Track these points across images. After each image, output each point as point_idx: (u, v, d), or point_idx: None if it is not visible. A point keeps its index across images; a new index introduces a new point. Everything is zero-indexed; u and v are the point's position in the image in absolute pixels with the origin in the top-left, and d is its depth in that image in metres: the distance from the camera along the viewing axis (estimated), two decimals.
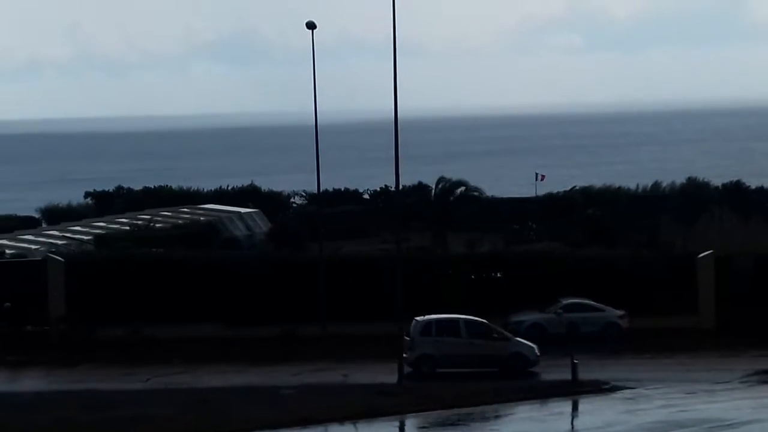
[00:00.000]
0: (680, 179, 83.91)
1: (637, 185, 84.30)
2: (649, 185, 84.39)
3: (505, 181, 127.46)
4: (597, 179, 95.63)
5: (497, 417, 38.12)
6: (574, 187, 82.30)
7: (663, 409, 37.84)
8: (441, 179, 72.06)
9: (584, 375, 41.65)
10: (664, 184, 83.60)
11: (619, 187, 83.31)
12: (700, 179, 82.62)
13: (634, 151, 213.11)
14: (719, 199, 75.53)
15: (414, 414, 38.39)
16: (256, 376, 44.35)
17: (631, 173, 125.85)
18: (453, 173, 76.94)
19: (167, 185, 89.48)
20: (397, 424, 38.18)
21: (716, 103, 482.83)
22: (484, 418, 37.83)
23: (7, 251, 59.42)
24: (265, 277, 52.27)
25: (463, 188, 71.84)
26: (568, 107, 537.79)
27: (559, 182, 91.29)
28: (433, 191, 71.90)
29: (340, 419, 37.56)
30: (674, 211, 72.11)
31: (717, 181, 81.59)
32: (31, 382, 44.60)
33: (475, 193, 73.08)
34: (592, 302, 50.97)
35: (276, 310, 51.40)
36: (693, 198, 76.17)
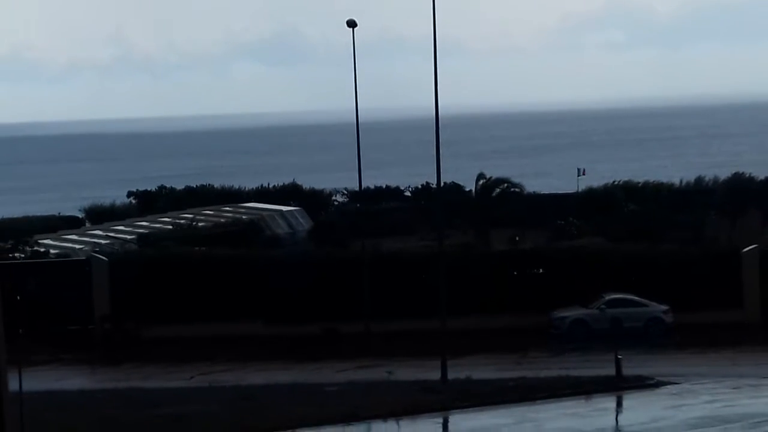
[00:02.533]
0: (725, 174, 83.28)
1: (681, 180, 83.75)
2: (693, 180, 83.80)
3: (546, 177, 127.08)
4: (639, 174, 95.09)
5: (541, 413, 37.99)
6: (616, 182, 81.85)
7: (708, 404, 37.61)
8: (481, 176, 71.91)
9: (628, 370, 41.45)
10: (708, 179, 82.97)
11: (662, 182, 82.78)
12: (746, 174, 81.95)
13: (677, 145, 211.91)
14: (765, 194, 74.89)
15: (458, 410, 38.34)
16: (300, 374, 44.43)
17: (675, 168, 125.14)
18: (494, 170, 76.84)
19: (209, 184, 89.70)
20: (440, 420, 38.16)
21: (761, 97, 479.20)
22: (529, 414, 37.72)
23: (52, 251, 59.82)
24: (308, 275, 52.36)
25: (504, 185, 71.65)
26: (610, 103, 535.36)
27: (601, 177, 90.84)
28: (475, 188, 71.76)
29: (384, 416, 37.57)
30: (719, 206, 71.63)
31: (763, 175, 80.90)
32: (75, 381, 44.89)
33: (517, 190, 72.87)
34: (636, 297, 50.74)
35: (318, 308, 51.47)
36: (738, 192, 75.58)
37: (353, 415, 37.31)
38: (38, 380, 40.52)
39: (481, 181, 71.65)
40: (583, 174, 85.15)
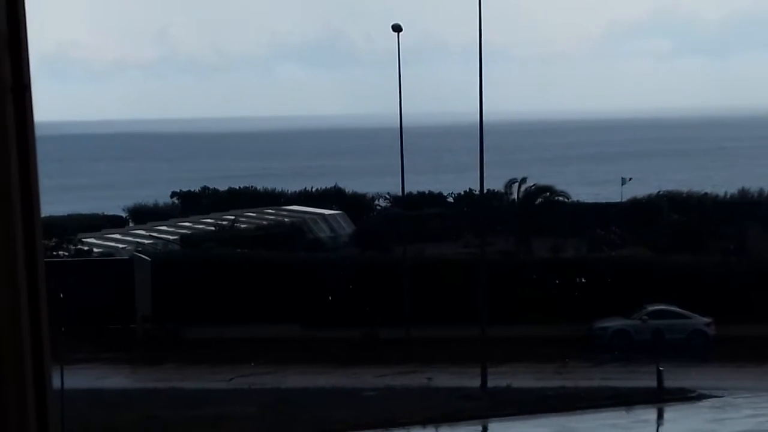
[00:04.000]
0: None
1: (725, 192, 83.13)
2: (737, 191, 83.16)
3: (591, 185, 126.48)
4: (685, 185, 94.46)
5: (581, 423, 37.75)
6: (660, 192, 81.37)
7: (751, 419, 37.27)
8: (524, 181, 71.63)
9: (670, 383, 41.15)
10: (753, 190, 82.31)
11: (706, 193, 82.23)
12: None
13: (723, 156, 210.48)
14: None
15: (497, 418, 38.18)
16: (339, 378, 44.40)
17: (721, 178, 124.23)
18: (538, 178, 76.59)
19: (252, 186, 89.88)
20: (479, 428, 38.02)
21: None
22: (568, 424, 37.49)
23: (95, 250, 60.11)
24: (349, 279, 52.34)
25: (547, 193, 71.37)
26: (656, 112, 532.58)
27: (645, 187, 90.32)
28: (517, 195, 71.50)
29: (423, 422, 37.47)
30: (763, 218, 71.02)
31: None
32: (116, 380, 45.08)
33: (560, 198, 72.57)
34: (678, 309, 50.38)
35: (359, 313, 51.42)
36: None
37: (391, 421, 37.22)
38: (79, 378, 40.68)
39: (523, 187, 71.39)
40: (629, 180, 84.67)
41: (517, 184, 71.54)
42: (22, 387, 3.52)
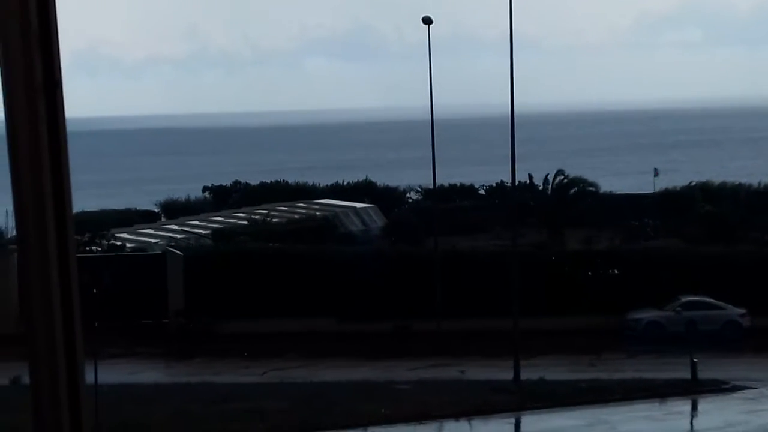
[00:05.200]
0: None
1: (759, 182, 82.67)
2: None
3: (623, 176, 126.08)
4: (719, 175, 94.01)
5: (615, 415, 37.67)
6: (693, 182, 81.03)
7: None
8: (560, 172, 71.43)
9: (704, 374, 41.01)
10: None
11: (740, 183, 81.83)
12: None
13: (757, 146, 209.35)
14: None
15: (530, 411, 38.14)
16: (371, 371, 44.45)
17: (755, 168, 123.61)
18: (570, 169, 76.29)
19: (284, 180, 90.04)
20: (512, 421, 37.99)
21: None
22: (602, 416, 37.41)
23: (128, 245, 60.38)
24: (381, 272, 52.37)
25: (580, 185, 71.17)
26: (687, 103, 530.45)
27: (678, 178, 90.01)
28: (550, 187, 71.32)
29: (456, 415, 37.48)
30: None
31: None
32: (149, 374, 45.28)
33: (592, 189, 72.36)
34: (712, 300, 50.17)
35: (391, 306, 51.46)
36: None
37: (424, 414, 37.24)
38: (113, 373, 40.93)
39: (557, 179, 71.21)
40: (658, 174, 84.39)
41: (550, 176, 71.35)
42: (55, 382, 3.54)
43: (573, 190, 69.64)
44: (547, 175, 71.36)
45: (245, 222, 68.07)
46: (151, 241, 61.88)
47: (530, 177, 71.50)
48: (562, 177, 70.70)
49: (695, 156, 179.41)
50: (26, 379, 3.64)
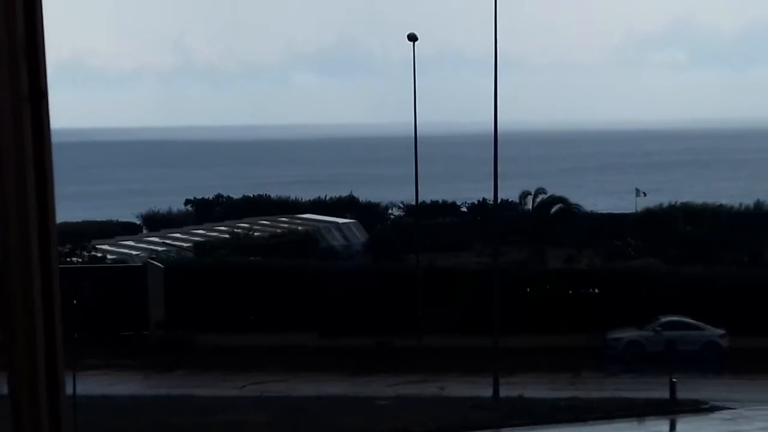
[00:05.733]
0: None
1: (740, 203, 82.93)
2: (752, 204, 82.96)
3: (607, 196, 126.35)
4: (703, 196, 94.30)
5: None
6: (674, 203, 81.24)
7: (764, 431, 37.16)
8: (539, 191, 71.54)
9: (683, 394, 41.10)
10: None
11: (721, 204, 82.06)
12: None
13: (741, 167, 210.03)
14: None
15: (509, 428, 38.16)
16: (352, 387, 44.42)
17: (736, 190, 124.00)
18: (554, 188, 76.39)
19: (266, 194, 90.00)
20: None
21: None
22: None
23: (108, 256, 60.26)
24: (362, 288, 52.35)
25: (561, 205, 71.27)
26: (674, 123, 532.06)
27: (661, 198, 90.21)
28: (532, 205, 71.39)
29: (435, 431, 37.45)
30: None
31: None
32: (129, 386, 45.15)
33: (575, 209, 72.48)
34: (692, 320, 50.29)
35: (372, 321, 51.43)
36: None
37: (404, 429, 37.22)
38: (92, 384, 40.81)
39: (539, 198, 71.28)
40: (644, 195, 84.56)
41: (531, 195, 71.46)
42: (35, 393, 3.54)
43: (555, 209, 69.69)
44: (527, 193, 71.46)
45: (227, 235, 67.99)
46: (132, 253, 61.77)
47: (523, 196, 71.49)
48: (544, 195, 70.75)
49: (679, 177, 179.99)
50: (5, 389, 3.65)
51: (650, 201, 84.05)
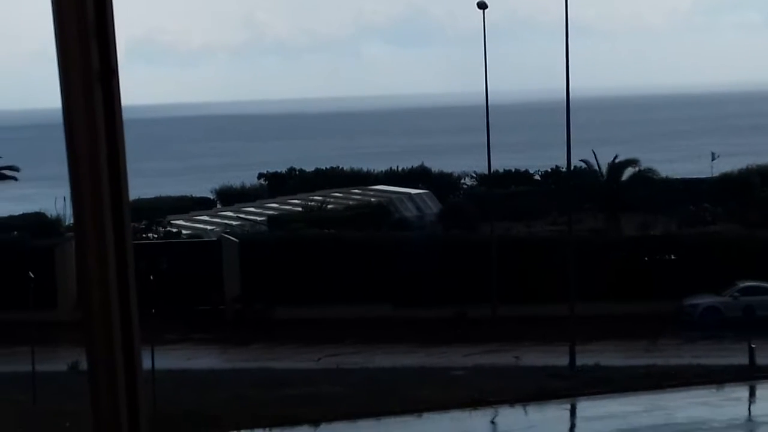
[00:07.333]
0: None
1: None
2: None
3: (681, 162, 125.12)
4: None
5: (672, 401, 37.46)
6: (751, 166, 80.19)
7: None
8: (616, 158, 70.90)
9: (762, 360, 40.69)
10: None
11: None
12: None
13: None
14: None
15: (585, 397, 38.02)
16: (427, 357, 44.48)
17: None
18: (628, 154, 75.72)
19: (339, 166, 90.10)
20: (568, 407, 37.87)
21: None
22: (659, 402, 37.22)
23: (184, 232, 60.75)
24: (436, 258, 52.34)
25: (636, 168, 70.57)
26: (747, 86, 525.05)
27: (737, 162, 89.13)
28: (607, 171, 70.79)
29: (511, 401, 37.43)
30: None
31: None
32: (206, 360, 45.58)
33: (649, 174, 71.79)
34: None
35: (447, 292, 51.41)
36: None
37: (479, 399, 37.22)
38: (170, 359, 41.26)
39: (612, 163, 70.62)
40: (717, 158, 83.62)
41: (607, 161, 70.83)
42: (113, 368, 3.57)
43: (629, 175, 69.08)
44: (597, 158, 70.82)
45: (300, 209, 68.27)
46: (206, 228, 62.24)
47: (589, 160, 70.85)
48: (617, 162, 70.15)
49: (756, 140, 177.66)
50: (84, 365, 3.68)
51: (727, 165, 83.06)
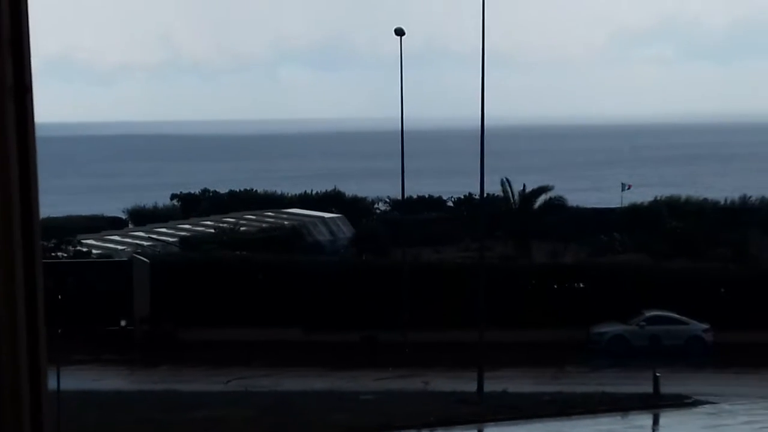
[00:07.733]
0: None
1: (726, 198, 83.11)
2: (737, 198, 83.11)
3: (593, 191, 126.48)
4: (688, 191, 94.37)
5: (577, 428, 37.77)
6: (659, 197, 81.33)
7: (746, 425, 37.31)
8: (529, 189, 71.53)
9: (666, 388, 41.20)
10: (753, 198, 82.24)
11: (706, 199, 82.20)
12: None
13: (726, 162, 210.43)
14: None
15: (493, 423, 38.21)
16: (337, 381, 44.43)
17: (723, 185, 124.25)
18: (540, 183, 76.45)
19: (252, 189, 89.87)
20: None
21: None
22: (564, 429, 37.51)
23: (94, 251, 60.12)
24: (348, 283, 52.37)
25: (546, 196, 71.26)
26: (660, 118, 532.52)
27: (647, 193, 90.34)
28: (519, 199, 71.38)
29: (418, 426, 37.50)
30: (763, 225, 71.03)
31: None
32: (113, 381, 45.08)
33: (559, 202, 72.51)
34: (676, 315, 50.42)
35: (357, 316, 51.46)
36: None
37: (388, 424, 37.25)
38: (76, 379, 40.70)
39: (523, 191, 71.25)
40: (628, 188, 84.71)
41: (518, 189, 71.41)
42: (18, 388, 3.56)
43: (541, 203, 69.75)
44: (510, 185, 71.41)
45: (213, 230, 67.90)
46: (117, 248, 61.63)
47: (505, 183, 71.20)
48: (528, 191, 70.79)
49: (666, 171, 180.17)
50: None
51: (638, 196, 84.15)
